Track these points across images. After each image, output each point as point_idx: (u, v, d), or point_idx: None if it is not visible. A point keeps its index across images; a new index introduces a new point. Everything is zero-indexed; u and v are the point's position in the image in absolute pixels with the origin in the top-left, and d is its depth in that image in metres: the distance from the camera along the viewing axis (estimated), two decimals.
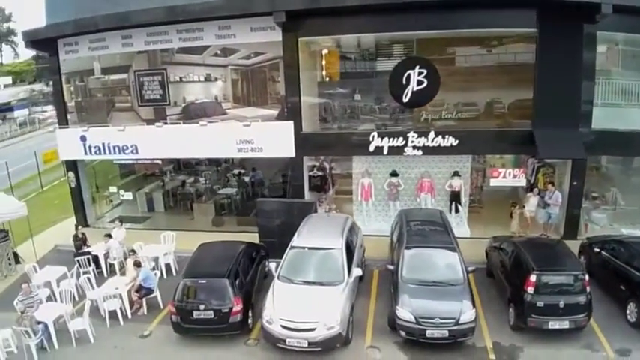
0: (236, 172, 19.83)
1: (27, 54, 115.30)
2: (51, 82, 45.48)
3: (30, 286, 12.37)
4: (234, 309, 10.76)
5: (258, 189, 19.16)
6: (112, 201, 20.02)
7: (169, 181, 20.53)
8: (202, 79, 16.72)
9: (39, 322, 11.47)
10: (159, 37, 16.58)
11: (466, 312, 10.10)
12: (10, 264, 15.97)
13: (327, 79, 18.16)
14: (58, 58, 18.25)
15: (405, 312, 10.26)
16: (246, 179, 19.54)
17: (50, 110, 60.83)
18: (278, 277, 11.40)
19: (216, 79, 16.65)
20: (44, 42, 18.18)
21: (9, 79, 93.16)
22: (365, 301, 12.54)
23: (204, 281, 11.22)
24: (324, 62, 17.75)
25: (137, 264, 12.97)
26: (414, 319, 10.12)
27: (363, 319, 11.73)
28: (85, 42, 17.54)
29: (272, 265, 11.97)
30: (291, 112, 15.84)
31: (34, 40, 18.20)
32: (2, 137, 50.97)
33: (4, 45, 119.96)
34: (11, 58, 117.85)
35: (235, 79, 16.47)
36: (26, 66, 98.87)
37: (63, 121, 18.61)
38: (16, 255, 16.35)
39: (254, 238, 14.88)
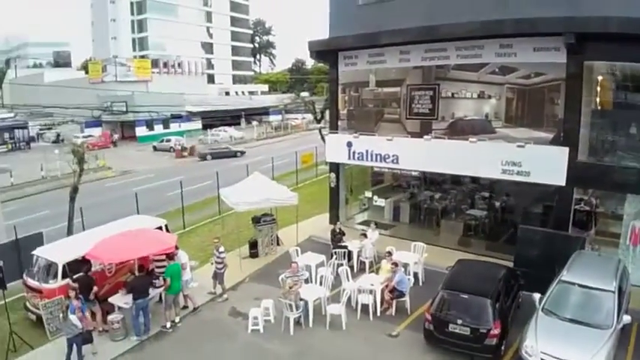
0: (486, 194, 19.16)
1: (282, 65, 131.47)
2: (301, 93, 50.50)
3: (297, 265, 13.76)
4: (492, 332, 10.37)
5: (509, 215, 18.19)
6: (364, 204, 21.16)
7: (416, 193, 20.86)
8: (475, 96, 16.49)
9: (301, 299, 12.63)
10: (436, 54, 16.93)
11: None
12: (272, 245, 18.10)
13: (600, 107, 16.37)
14: (337, 69, 19.92)
15: None
16: (497, 204, 18.71)
17: (300, 118, 68.21)
18: (542, 310, 10.76)
19: (489, 97, 16.26)
20: (326, 53, 19.99)
21: (265, 87, 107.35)
22: (621, 354, 10.79)
23: (465, 296, 11.02)
24: (598, 88, 16.05)
25: (395, 265, 13.35)
26: None
27: None
28: (364, 55, 18.84)
29: (536, 296, 11.32)
30: (567, 137, 14.64)
31: (317, 50, 19.97)
32: (259, 137, 58.68)
33: (262, 56, 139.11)
34: (267, 69, 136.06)
35: (510, 98, 15.86)
36: (281, 76, 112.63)
37: (334, 127, 20.27)
38: (277, 238, 18.47)
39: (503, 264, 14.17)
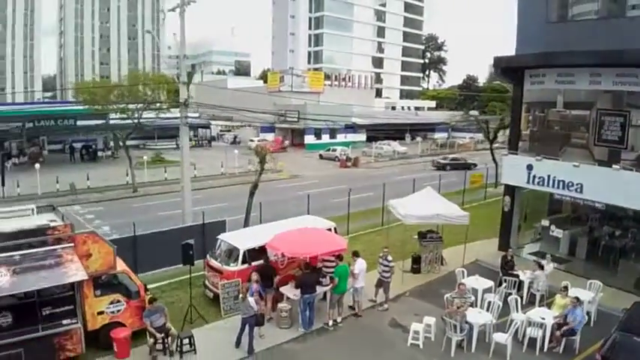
0: None
1: (451, 81, 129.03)
2: (470, 111, 48.67)
3: (465, 288, 13.33)
4: None
5: None
6: (539, 234, 19.77)
7: (595, 227, 18.90)
8: None
9: (467, 322, 12.21)
10: (627, 79, 15.42)
11: None
12: (435, 263, 17.77)
13: None
14: (522, 87, 19.00)
15: None
16: None
17: (468, 137, 66.13)
18: None
19: None
20: (512, 70, 19.20)
21: (432, 104, 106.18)
22: None
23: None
24: None
25: (577, 300, 12.40)
26: None
27: None
28: (553, 75, 17.67)
29: None
30: None
31: (502, 67, 19.32)
32: (423, 153, 58.14)
33: (431, 72, 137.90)
34: (435, 85, 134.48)
35: None
36: (449, 93, 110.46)
37: (514, 147, 19.29)
38: (441, 257, 18.09)
39: None
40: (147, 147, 53.49)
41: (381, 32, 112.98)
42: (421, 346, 12.41)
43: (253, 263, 14.08)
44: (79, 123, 50.83)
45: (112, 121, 46.20)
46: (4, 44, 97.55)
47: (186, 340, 11.73)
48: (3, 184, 30.19)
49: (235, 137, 68.40)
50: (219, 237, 15.37)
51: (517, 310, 13.14)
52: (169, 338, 11.66)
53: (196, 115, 66.67)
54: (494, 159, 33.32)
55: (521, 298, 14.66)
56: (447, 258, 18.25)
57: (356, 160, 48.16)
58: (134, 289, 12.22)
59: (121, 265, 12.21)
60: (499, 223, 19.95)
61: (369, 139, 63.56)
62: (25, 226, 11.32)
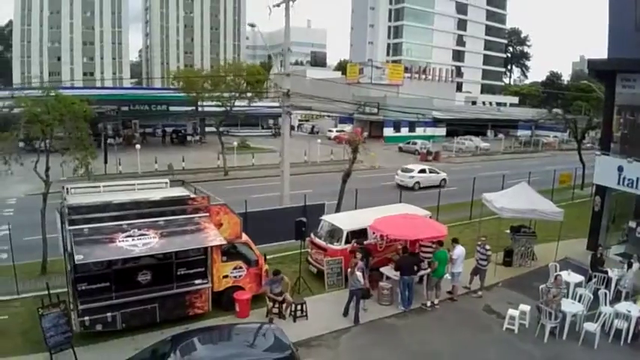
0: None
1: (533, 77, 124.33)
2: (553, 110, 47.15)
3: (561, 279, 13.75)
4: None
5: None
6: (626, 235, 19.55)
7: None
8: None
9: (560, 311, 12.74)
10: None
11: None
12: (527, 257, 18.09)
13: None
14: (614, 90, 18.96)
15: None
16: None
17: (552, 136, 64.14)
18: None
19: None
20: (604, 72, 19.34)
21: (515, 100, 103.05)
22: None
23: None
24: None
25: None
26: None
27: None
28: None
29: None
30: None
31: (596, 69, 19.54)
32: (506, 150, 57.10)
33: (514, 67, 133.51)
34: (517, 80, 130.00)
35: None
36: (533, 90, 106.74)
37: (606, 149, 19.25)
38: (533, 252, 18.36)
39: None
40: (230, 134, 56.10)
41: (462, 25, 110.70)
42: (516, 331, 13.02)
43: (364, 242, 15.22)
44: (170, 109, 54.43)
45: (203, 109, 48.98)
46: (93, 31, 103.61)
47: (299, 307, 13.00)
48: (106, 162, 32.97)
49: (313, 127, 70.08)
50: (322, 218, 16.57)
51: (605, 304, 13.48)
52: (285, 304, 12.96)
53: (276, 104, 69.09)
54: (581, 160, 32.51)
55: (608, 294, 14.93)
56: (537, 254, 18.47)
57: (437, 154, 48.18)
58: (253, 258, 13.63)
59: (244, 236, 13.64)
60: (586, 224, 20.00)
61: (448, 134, 63.07)
62: (169, 195, 12.96)
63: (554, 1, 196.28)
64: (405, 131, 62.45)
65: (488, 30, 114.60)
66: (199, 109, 49.09)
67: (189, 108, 50.62)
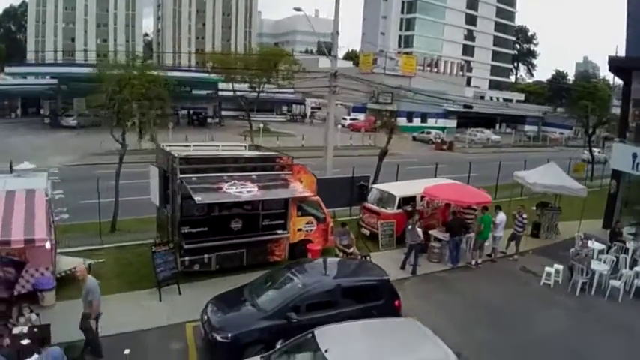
0: None
1: (538, 76, 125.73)
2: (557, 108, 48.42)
3: (587, 242, 15.68)
4: None
5: None
6: (634, 220, 21.43)
7: None
8: None
9: (591, 269, 14.73)
10: None
11: None
12: (552, 231, 20.05)
13: None
14: (630, 86, 21.01)
15: None
16: None
17: (558, 132, 65.95)
18: None
19: None
20: (622, 69, 21.44)
21: (521, 96, 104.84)
22: None
23: None
24: None
25: None
26: None
27: None
28: None
29: None
30: None
31: (615, 66, 21.62)
32: (515, 143, 58.88)
33: (520, 64, 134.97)
34: (520, 77, 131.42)
35: None
36: (539, 88, 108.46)
37: (622, 137, 21.43)
38: (556, 226, 20.31)
39: None
40: (246, 119, 57.53)
41: (472, 21, 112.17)
42: (552, 286, 15.03)
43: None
44: (193, 92, 55.82)
45: (224, 92, 50.47)
46: (107, 13, 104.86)
47: (366, 258, 14.85)
48: (141, 138, 34.40)
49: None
50: (373, 186, 18.46)
51: (625, 267, 15.49)
52: (352, 256, 14.81)
53: (291, 91, 70.58)
54: (591, 152, 34.82)
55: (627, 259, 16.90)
56: (560, 230, 20.40)
57: (451, 145, 50.10)
58: (322, 215, 15.51)
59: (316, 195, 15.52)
60: (598, 210, 21.76)
61: (459, 126, 64.90)
62: (260, 154, 14.90)
63: (559, 2, 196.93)
64: (417, 122, 64.26)
65: (497, 27, 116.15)
66: (222, 92, 50.61)
67: (210, 91, 52.06)
